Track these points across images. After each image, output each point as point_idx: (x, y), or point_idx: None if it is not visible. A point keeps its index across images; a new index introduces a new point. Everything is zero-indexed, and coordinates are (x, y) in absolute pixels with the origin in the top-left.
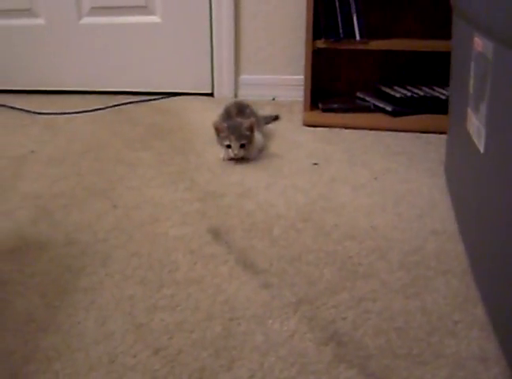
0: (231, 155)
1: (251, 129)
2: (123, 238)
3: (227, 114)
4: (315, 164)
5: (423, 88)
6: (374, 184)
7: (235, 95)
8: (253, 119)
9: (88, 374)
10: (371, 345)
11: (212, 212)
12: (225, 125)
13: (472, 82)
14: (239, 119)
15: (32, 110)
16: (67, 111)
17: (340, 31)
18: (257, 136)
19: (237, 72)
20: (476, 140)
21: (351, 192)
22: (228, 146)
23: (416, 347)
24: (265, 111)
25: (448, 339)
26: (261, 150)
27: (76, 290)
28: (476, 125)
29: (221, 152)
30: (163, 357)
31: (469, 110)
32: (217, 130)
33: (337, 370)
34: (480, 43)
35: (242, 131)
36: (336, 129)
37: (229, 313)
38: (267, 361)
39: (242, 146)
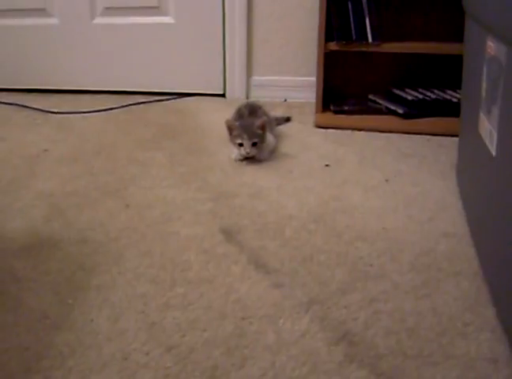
0: (243, 153)
1: (263, 128)
2: (135, 237)
3: (239, 115)
4: (327, 166)
5: (435, 90)
6: (385, 186)
7: (247, 97)
8: (265, 118)
9: (101, 371)
10: (382, 345)
11: (224, 212)
12: (237, 123)
13: (484, 86)
14: (250, 118)
15: (45, 109)
16: (80, 111)
17: (353, 33)
18: (269, 137)
19: (249, 73)
20: (488, 144)
21: (362, 194)
22: (240, 144)
23: (426, 348)
24: (277, 113)
25: (458, 340)
26: (273, 151)
27: (89, 288)
28: (488, 128)
29: (233, 153)
30: (176, 355)
31: (481, 114)
32: (229, 129)
33: (348, 370)
34: (492, 46)
35: (254, 130)
36: (348, 131)
37: (241, 313)
38: (278, 360)
39: (254, 144)
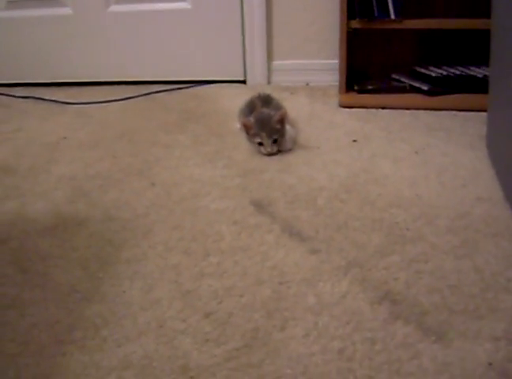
0: (265, 152)
1: (282, 121)
2: (164, 213)
3: (252, 108)
4: (354, 141)
5: (459, 67)
6: (415, 157)
7: (268, 82)
8: (283, 110)
9: (138, 338)
10: (426, 302)
11: (254, 186)
12: (253, 120)
13: None
14: (266, 111)
15: (62, 100)
16: (97, 100)
17: (375, 10)
18: (287, 127)
19: (270, 58)
20: None
21: (392, 165)
22: (260, 144)
23: (471, 303)
24: (300, 96)
25: (503, 294)
26: (295, 140)
27: (119, 262)
28: None
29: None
30: (214, 320)
31: None
32: (246, 127)
33: (394, 326)
34: None
35: (272, 125)
36: (373, 110)
37: (278, 278)
38: (321, 320)
39: (274, 141)
